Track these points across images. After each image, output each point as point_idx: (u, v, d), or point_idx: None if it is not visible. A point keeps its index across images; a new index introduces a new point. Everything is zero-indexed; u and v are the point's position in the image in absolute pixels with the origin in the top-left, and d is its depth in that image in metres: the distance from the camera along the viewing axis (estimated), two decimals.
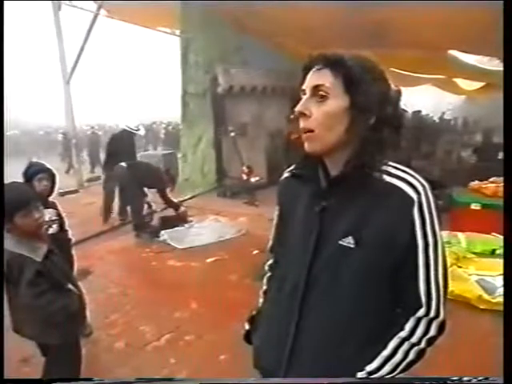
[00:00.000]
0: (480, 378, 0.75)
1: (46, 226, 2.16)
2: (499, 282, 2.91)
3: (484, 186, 4.55)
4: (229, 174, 7.23)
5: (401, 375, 0.83)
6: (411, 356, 0.81)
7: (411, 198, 0.78)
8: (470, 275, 3.17)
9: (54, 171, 2.52)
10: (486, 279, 3.05)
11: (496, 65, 9.09)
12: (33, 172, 2.37)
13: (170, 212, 5.21)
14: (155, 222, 5.07)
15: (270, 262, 1.11)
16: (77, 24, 8.08)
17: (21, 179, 2.32)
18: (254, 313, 1.11)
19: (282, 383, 0.96)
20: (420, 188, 0.79)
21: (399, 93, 0.85)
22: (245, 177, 6.54)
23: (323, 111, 0.80)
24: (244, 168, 6.56)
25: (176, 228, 4.85)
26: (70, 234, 2.68)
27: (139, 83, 30.35)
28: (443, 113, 15.59)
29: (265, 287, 1.10)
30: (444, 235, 4.13)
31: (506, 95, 0.90)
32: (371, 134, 0.80)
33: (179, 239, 4.54)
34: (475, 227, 3.94)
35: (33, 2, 11.85)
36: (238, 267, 3.64)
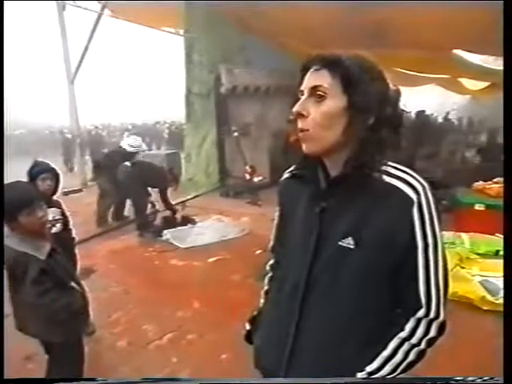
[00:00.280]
0: (485, 378, 0.75)
1: (49, 225, 2.18)
2: (503, 283, 2.89)
3: (488, 186, 4.53)
4: (232, 173, 7.24)
5: (402, 375, 0.83)
6: (411, 357, 0.81)
7: (411, 199, 0.78)
8: (473, 276, 3.16)
9: (58, 171, 2.54)
10: (490, 280, 3.03)
11: (501, 64, 9.02)
12: (37, 171, 2.39)
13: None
14: (158, 221, 5.08)
15: (271, 262, 1.12)
16: (81, 24, 8.13)
17: (25, 178, 2.34)
18: (254, 313, 1.12)
19: (282, 383, 0.96)
20: (420, 188, 0.79)
21: (398, 92, 0.84)
22: (248, 176, 6.54)
23: (321, 111, 0.79)
24: (247, 168, 6.57)
25: (179, 227, 4.87)
26: (74, 233, 2.70)
27: (143, 83, 30.45)
28: (447, 113, 15.49)
29: (266, 287, 1.11)
30: (448, 236, 4.12)
31: (506, 95, 0.90)
32: (370, 134, 0.79)
33: (182, 239, 4.55)
34: (479, 228, 3.92)
35: (37, 3, 11.92)
36: (241, 267, 3.65)
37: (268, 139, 7.54)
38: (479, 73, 10.03)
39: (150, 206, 5.06)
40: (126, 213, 5.48)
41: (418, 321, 0.81)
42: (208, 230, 4.85)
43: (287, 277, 0.93)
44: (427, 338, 0.81)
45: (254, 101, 7.27)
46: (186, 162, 7.91)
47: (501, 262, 3.22)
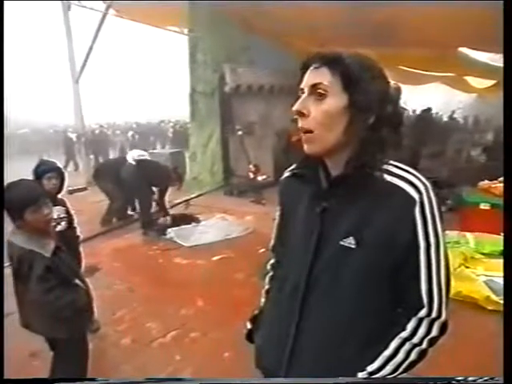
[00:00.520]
0: (485, 378, 0.75)
1: (54, 223, 2.20)
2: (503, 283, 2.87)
3: (493, 185, 4.49)
4: (236, 172, 7.24)
5: (404, 375, 0.82)
6: (413, 356, 0.80)
7: (413, 198, 0.77)
8: (478, 276, 3.14)
9: (63, 170, 2.56)
10: (495, 280, 3.01)
11: None
12: (42, 170, 2.41)
13: (178, 210, 5.22)
14: (162, 219, 5.09)
15: (272, 261, 1.11)
16: (86, 24, 8.16)
17: (31, 177, 2.36)
18: (256, 312, 1.11)
19: (283, 383, 0.96)
20: (422, 187, 0.78)
21: (399, 91, 0.84)
22: (252, 175, 6.55)
23: (322, 110, 0.78)
24: (251, 167, 6.57)
25: (183, 226, 4.88)
26: (78, 231, 2.72)
27: (147, 82, 30.54)
28: (453, 111, 15.38)
29: (267, 287, 1.10)
30: (452, 235, 4.09)
31: (506, 95, 0.89)
32: (371, 133, 0.79)
33: (186, 237, 4.56)
34: (484, 227, 3.89)
35: (43, 3, 11.99)
36: (244, 265, 3.65)
37: (272, 138, 7.54)
38: (485, 71, 9.94)
39: (154, 204, 5.08)
40: (129, 211, 5.50)
41: (420, 320, 0.80)
42: (212, 228, 4.87)
43: (288, 276, 0.93)
44: (429, 337, 0.80)
45: (257, 100, 7.27)
46: (191, 161, 7.92)
47: None
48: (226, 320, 2.70)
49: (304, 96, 0.81)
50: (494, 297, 2.81)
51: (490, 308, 2.79)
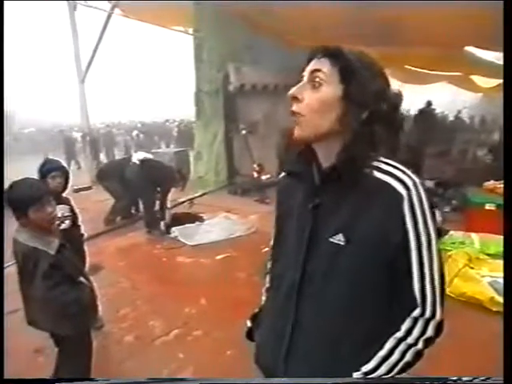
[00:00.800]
0: (485, 378, 0.74)
1: (59, 222, 2.22)
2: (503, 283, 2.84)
3: (499, 185, 4.45)
4: (240, 171, 7.25)
5: (402, 375, 0.81)
6: (408, 357, 0.79)
7: (400, 194, 0.76)
8: (482, 277, 3.11)
9: (68, 169, 2.58)
10: (500, 281, 2.98)
11: None
12: (47, 169, 2.44)
13: (182, 209, 5.23)
14: (162, 223, 5.07)
15: (271, 260, 1.11)
16: (91, 23, 8.21)
17: (36, 176, 2.38)
18: (256, 310, 1.12)
19: (283, 383, 0.96)
20: (410, 184, 0.77)
21: (400, 95, 0.85)
22: (256, 175, 6.55)
23: (316, 97, 0.80)
24: (255, 166, 6.57)
25: (187, 225, 4.90)
26: (83, 229, 2.74)
27: (152, 81, 30.66)
28: (459, 111, 15.26)
29: (267, 285, 1.11)
30: (457, 235, 4.07)
31: (506, 95, 0.89)
32: (363, 127, 0.79)
33: (190, 236, 4.58)
34: (489, 228, 3.86)
35: (49, 3, 12.08)
36: (248, 265, 3.65)
37: (276, 137, 7.53)
38: (491, 70, 9.84)
39: (157, 203, 5.10)
40: (133, 210, 5.52)
41: (415, 320, 0.79)
42: (216, 227, 4.88)
43: (284, 274, 0.93)
44: (424, 337, 0.79)
45: (262, 99, 7.27)
46: (196, 160, 7.93)
47: None
48: (229, 319, 2.70)
49: (302, 83, 0.83)
50: (498, 298, 2.79)
51: (494, 309, 2.77)
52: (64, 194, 2.56)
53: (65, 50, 8.78)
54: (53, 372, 1.81)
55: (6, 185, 1.68)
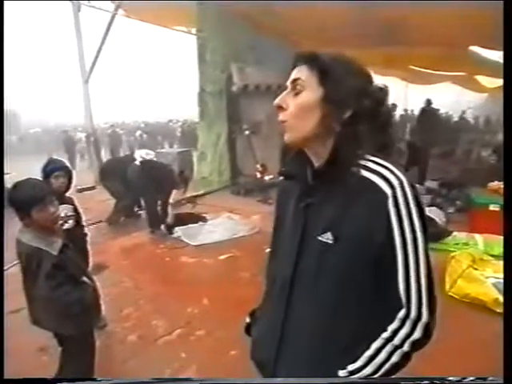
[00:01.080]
0: (485, 378, 0.73)
1: (62, 221, 2.23)
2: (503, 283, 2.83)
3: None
4: (243, 172, 7.25)
5: (399, 375, 0.80)
6: (394, 358, 0.77)
7: (384, 193, 0.76)
8: (486, 278, 3.09)
9: (71, 168, 2.59)
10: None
11: None
12: (50, 169, 2.45)
13: (185, 209, 5.23)
14: (163, 226, 5.07)
15: (269, 258, 1.13)
16: (95, 24, 8.25)
17: (40, 175, 2.40)
18: (255, 307, 1.14)
19: (283, 383, 0.97)
20: (395, 182, 0.76)
21: (385, 91, 0.86)
22: (259, 175, 6.55)
23: (297, 103, 0.83)
24: (258, 166, 6.58)
25: (190, 225, 4.91)
26: (86, 229, 2.76)
27: (156, 82, 30.76)
28: (464, 111, 15.17)
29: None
30: (461, 236, 4.05)
31: (506, 95, 0.88)
32: (347, 127, 0.80)
33: (193, 236, 4.59)
34: (493, 229, 3.83)
35: (53, 3, 12.15)
36: (251, 265, 3.66)
37: (279, 138, 7.49)
38: (496, 70, 9.77)
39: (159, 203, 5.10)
40: (136, 209, 5.54)
41: (401, 321, 0.77)
42: (219, 227, 4.88)
43: (278, 272, 0.96)
44: (411, 339, 0.77)
45: (265, 99, 7.25)
46: (200, 161, 7.94)
47: None
48: (232, 318, 2.70)
49: (285, 91, 0.86)
50: (502, 299, 2.77)
51: (498, 310, 2.75)
52: (67, 194, 2.58)
53: (69, 50, 8.83)
54: (56, 371, 1.82)
55: (8, 185, 1.69)
